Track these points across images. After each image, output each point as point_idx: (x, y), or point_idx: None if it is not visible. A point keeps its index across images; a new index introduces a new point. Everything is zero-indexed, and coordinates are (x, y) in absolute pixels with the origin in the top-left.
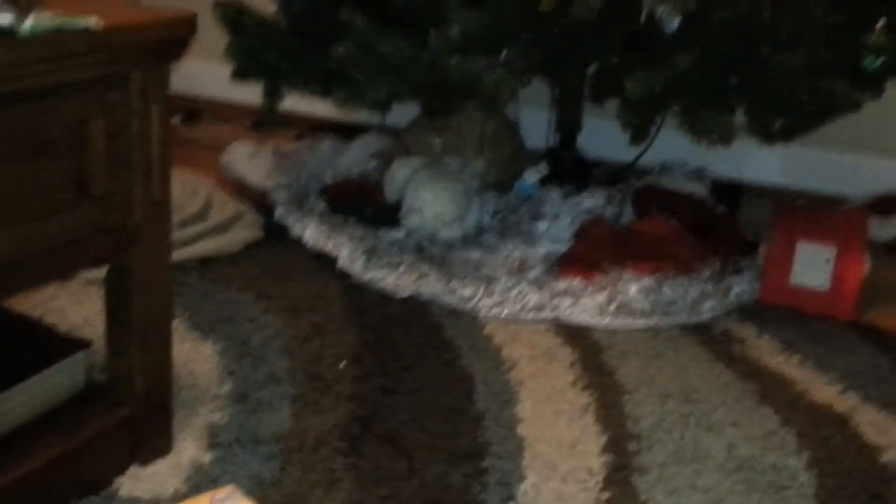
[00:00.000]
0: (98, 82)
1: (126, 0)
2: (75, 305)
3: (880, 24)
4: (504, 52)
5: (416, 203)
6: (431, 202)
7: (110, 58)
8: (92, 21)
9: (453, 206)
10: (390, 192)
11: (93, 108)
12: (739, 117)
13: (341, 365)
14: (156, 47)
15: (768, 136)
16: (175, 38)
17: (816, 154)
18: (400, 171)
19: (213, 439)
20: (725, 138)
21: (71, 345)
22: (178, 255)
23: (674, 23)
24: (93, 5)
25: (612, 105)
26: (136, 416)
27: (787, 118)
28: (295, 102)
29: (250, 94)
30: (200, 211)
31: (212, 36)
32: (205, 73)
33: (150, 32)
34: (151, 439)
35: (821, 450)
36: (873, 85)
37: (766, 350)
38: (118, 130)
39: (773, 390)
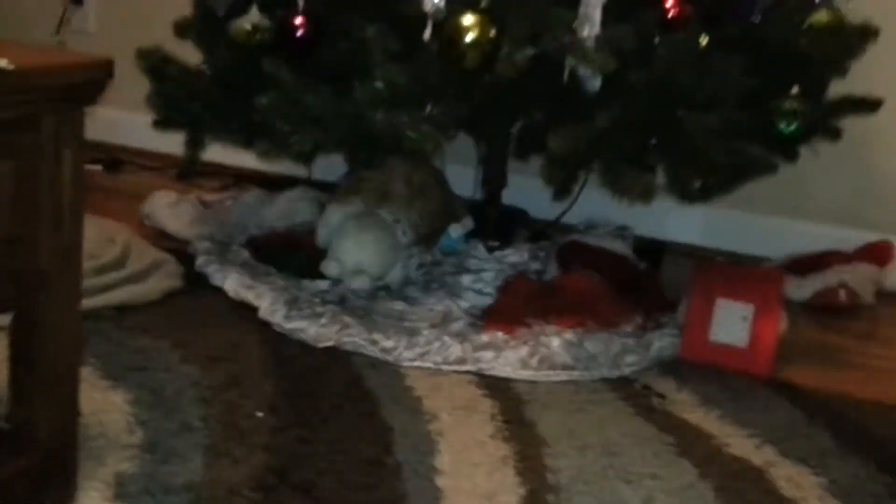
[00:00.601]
0: (8, 124)
1: (49, 44)
2: None
3: (795, 89)
4: (429, 107)
5: (338, 251)
6: (353, 252)
7: (21, 100)
8: (3, 62)
9: (377, 258)
10: (323, 237)
11: (1, 150)
12: (660, 177)
13: (258, 415)
14: (69, 91)
15: (687, 195)
16: (90, 82)
17: (736, 215)
18: (333, 216)
19: (121, 489)
20: (645, 196)
21: None
22: (92, 302)
23: (595, 82)
24: (7, 47)
25: (537, 161)
26: (39, 466)
27: (705, 178)
28: (220, 153)
29: (174, 143)
30: (118, 258)
31: (137, 85)
32: (128, 122)
33: (64, 76)
34: (54, 490)
35: (737, 503)
36: (788, 149)
37: (686, 404)
38: (27, 174)
39: (691, 444)
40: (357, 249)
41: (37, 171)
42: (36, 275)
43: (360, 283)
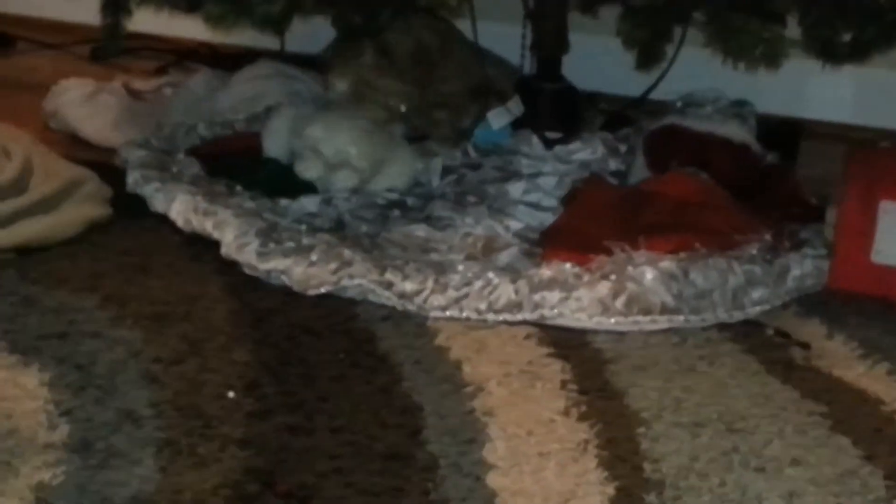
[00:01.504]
0: None
1: None
2: None
3: None
4: None
5: (310, 141)
6: (330, 138)
7: None
8: None
9: (364, 144)
10: (272, 146)
11: None
12: (791, 29)
13: (229, 395)
14: None
15: (833, 54)
16: None
17: None
18: (278, 121)
19: None
20: (772, 58)
21: None
22: None
23: None
24: None
25: (609, 14)
26: None
27: (858, 29)
28: (152, 21)
29: (87, 10)
30: (15, 179)
31: None
32: None
33: None
34: None
35: None
36: None
37: (841, 357)
38: None
39: (849, 413)
40: (334, 133)
41: None
42: None
43: (344, 181)
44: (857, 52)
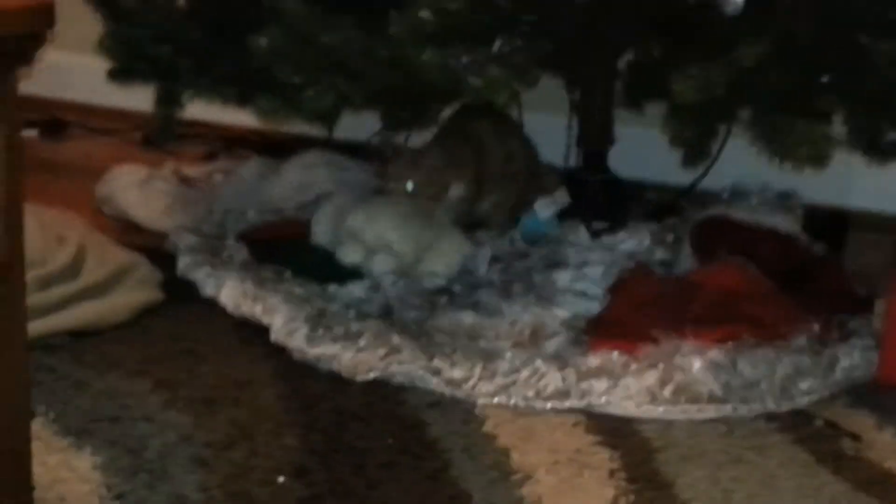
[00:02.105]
0: None
1: None
2: None
3: None
4: (498, 42)
5: (353, 229)
6: (370, 223)
7: None
8: None
9: (403, 230)
10: (320, 234)
11: None
12: (837, 126)
13: (279, 480)
14: None
15: (878, 150)
16: (24, 35)
17: None
18: (325, 209)
19: None
20: (818, 157)
21: None
22: (37, 327)
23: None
24: None
25: (656, 110)
26: None
27: None
28: (204, 108)
29: (136, 96)
30: (69, 265)
31: (85, 18)
32: (74, 68)
33: None
34: None
35: None
36: None
37: (891, 449)
38: None
39: None
40: (374, 219)
41: None
42: None
43: (382, 266)
44: None
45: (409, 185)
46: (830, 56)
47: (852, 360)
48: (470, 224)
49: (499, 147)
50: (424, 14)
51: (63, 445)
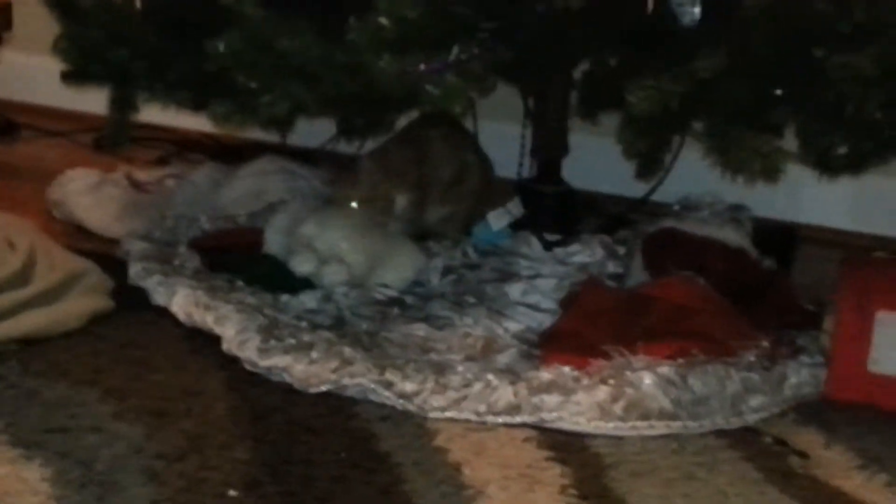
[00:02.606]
0: None
1: None
2: None
3: None
4: (455, 50)
5: (306, 237)
6: (323, 233)
7: None
8: None
9: (356, 241)
10: (273, 243)
11: None
12: (789, 140)
13: (230, 494)
14: None
15: (829, 166)
16: None
17: None
18: (278, 218)
19: None
20: (770, 170)
21: None
22: None
23: (694, 11)
24: None
25: (610, 121)
26: None
27: (854, 142)
28: (157, 112)
29: (92, 100)
30: (19, 271)
31: (36, 22)
32: (26, 70)
33: None
34: None
35: None
36: None
37: (838, 466)
38: None
39: None
40: (326, 229)
41: None
42: None
43: (333, 276)
44: (854, 165)
45: (353, 203)
46: (785, 69)
47: (801, 377)
48: (420, 234)
49: (450, 157)
50: (383, 21)
51: (12, 456)
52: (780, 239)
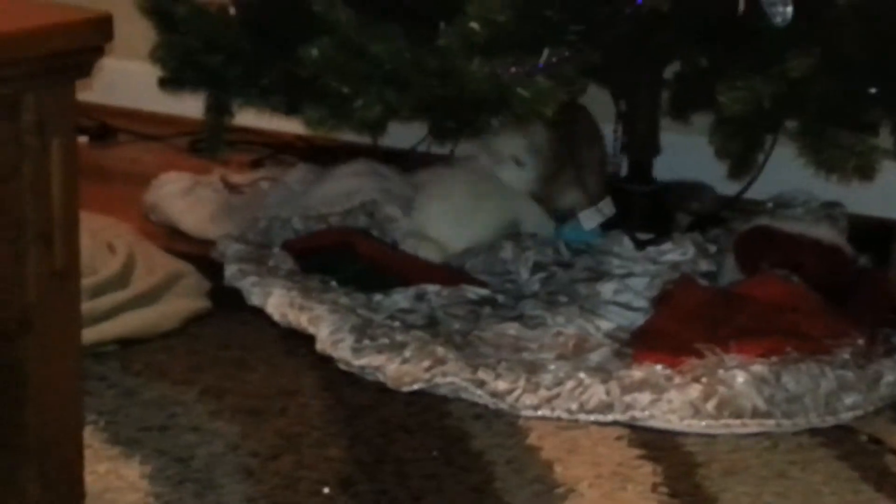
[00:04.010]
0: None
1: None
2: None
3: None
4: (545, 53)
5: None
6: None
7: None
8: None
9: (451, 216)
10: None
11: None
12: (884, 137)
13: (324, 491)
14: (56, 62)
15: None
16: (83, 48)
17: None
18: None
19: None
20: (865, 168)
21: None
22: (88, 336)
23: (786, 10)
24: None
25: (702, 121)
26: None
27: None
28: (251, 116)
29: (184, 102)
30: (119, 273)
31: (133, 28)
32: (123, 75)
33: (48, 41)
34: None
35: None
36: None
37: None
38: (4, 176)
39: None
40: (425, 207)
41: (17, 173)
42: (19, 312)
43: (427, 252)
44: None
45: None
46: (877, 67)
47: None
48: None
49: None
50: (474, 25)
51: (113, 454)
52: (876, 236)
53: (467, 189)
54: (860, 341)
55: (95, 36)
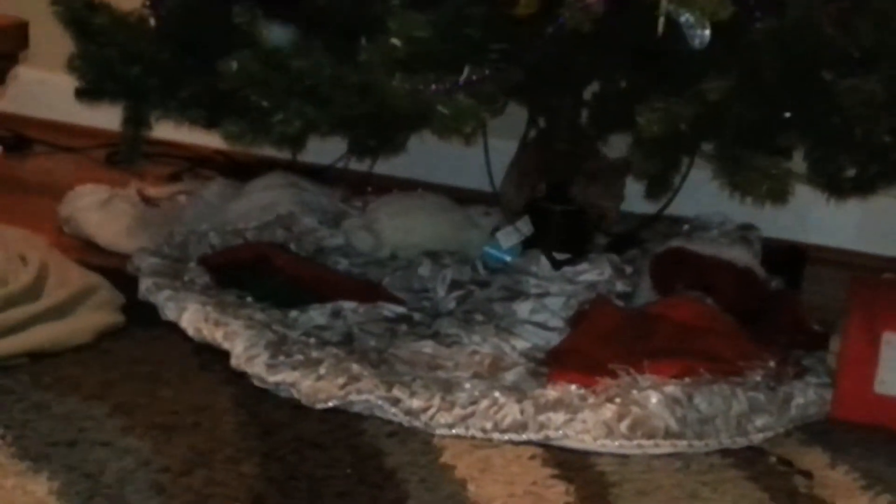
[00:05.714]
0: None
1: None
2: None
3: None
4: (466, 71)
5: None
6: (393, 219)
7: None
8: None
9: (429, 229)
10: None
11: None
12: (797, 161)
13: None
14: None
15: (837, 188)
16: None
17: None
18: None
19: None
20: (778, 192)
21: None
22: None
23: (704, 34)
24: None
25: (620, 142)
26: None
27: (863, 164)
28: (170, 129)
29: (101, 114)
30: (30, 285)
31: (50, 39)
32: (40, 85)
33: None
34: None
35: None
36: None
37: (843, 487)
38: None
39: None
40: (399, 217)
41: None
42: None
43: (372, 246)
44: (862, 187)
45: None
46: (794, 92)
47: (807, 397)
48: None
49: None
50: (395, 41)
51: (20, 469)
52: (789, 259)
53: (425, 201)
54: (772, 363)
55: (9, 43)
